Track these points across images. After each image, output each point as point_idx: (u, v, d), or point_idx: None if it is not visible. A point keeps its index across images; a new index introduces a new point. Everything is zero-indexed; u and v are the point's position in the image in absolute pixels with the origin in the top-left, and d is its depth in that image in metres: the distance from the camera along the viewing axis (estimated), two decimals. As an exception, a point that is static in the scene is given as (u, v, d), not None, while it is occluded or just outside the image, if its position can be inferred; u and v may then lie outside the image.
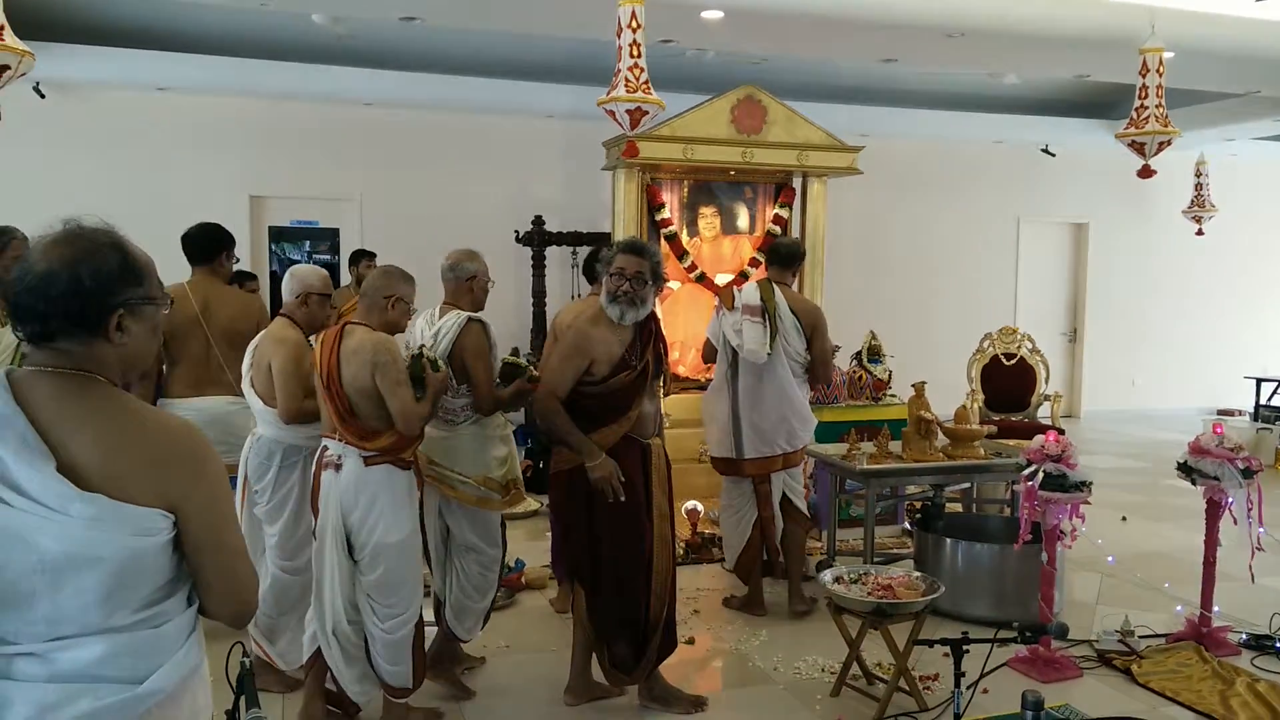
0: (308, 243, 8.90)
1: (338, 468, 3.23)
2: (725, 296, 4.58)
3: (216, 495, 1.54)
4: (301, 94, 8.17)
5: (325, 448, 3.30)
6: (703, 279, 6.82)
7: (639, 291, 3.46)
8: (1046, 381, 7.46)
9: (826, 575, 3.80)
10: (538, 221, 7.86)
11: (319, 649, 3.32)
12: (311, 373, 3.58)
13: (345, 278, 7.32)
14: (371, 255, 7.17)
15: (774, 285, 4.59)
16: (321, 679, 3.38)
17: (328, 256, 8.75)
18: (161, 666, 1.47)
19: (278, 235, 8.76)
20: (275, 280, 8.45)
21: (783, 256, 4.69)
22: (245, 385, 3.72)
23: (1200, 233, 9.11)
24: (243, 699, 1.87)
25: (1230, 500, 4.18)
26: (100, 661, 1.42)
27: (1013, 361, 7.44)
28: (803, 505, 4.79)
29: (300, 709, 3.43)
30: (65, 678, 1.41)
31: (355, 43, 7.79)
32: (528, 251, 7.98)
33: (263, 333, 3.79)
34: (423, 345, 3.47)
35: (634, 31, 4.77)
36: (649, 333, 3.58)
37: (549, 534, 5.85)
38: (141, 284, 1.51)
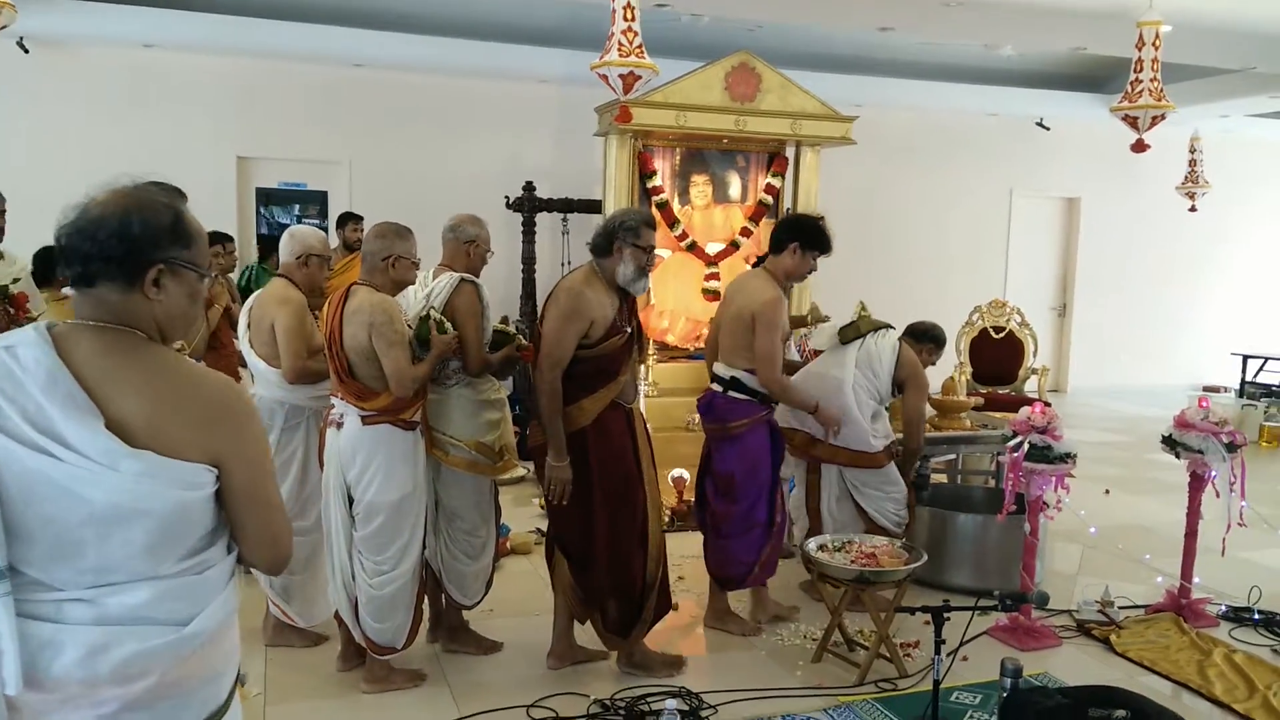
0: (297, 206, 8.83)
1: (339, 426, 3.35)
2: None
3: (258, 449, 1.59)
4: (291, 53, 8.06)
5: (332, 406, 3.41)
6: (693, 247, 6.80)
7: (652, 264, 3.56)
8: (1034, 355, 7.48)
9: (811, 543, 3.83)
10: (528, 188, 7.81)
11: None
12: (314, 332, 3.62)
13: (334, 241, 7.27)
14: (358, 218, 7.11)
15: (899, 339, 4.44)
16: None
17: (317, 221, 8.68)
18: (205, 610, 1.52)
19: (266, 198, 8.69)
20: (262, 242, 8.39)
21: (916, 332, 4.67)
22: (244, 346, 3.73)
23: (1194, 209, 9.11)
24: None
25: (1214, 474, 4.22)
26: (147, 605, 1.47)
27: (1001, 335, 7.45)
28: (890, 524, 4.33)
29: (338, 654, 3.61)
30: (113, 620, 1.44)
31: (346, 2, 7.69)
32: (518, 218, 7.93)
33: (259, 293, 3.80)
34: (432, 308, 3.49)
35: (628, -6, 4.72)
36: (631, 299, 3.61)
37: (535, 500, 5.89)
38: (188, 247, 1.54)
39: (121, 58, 7.93)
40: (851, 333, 4.43)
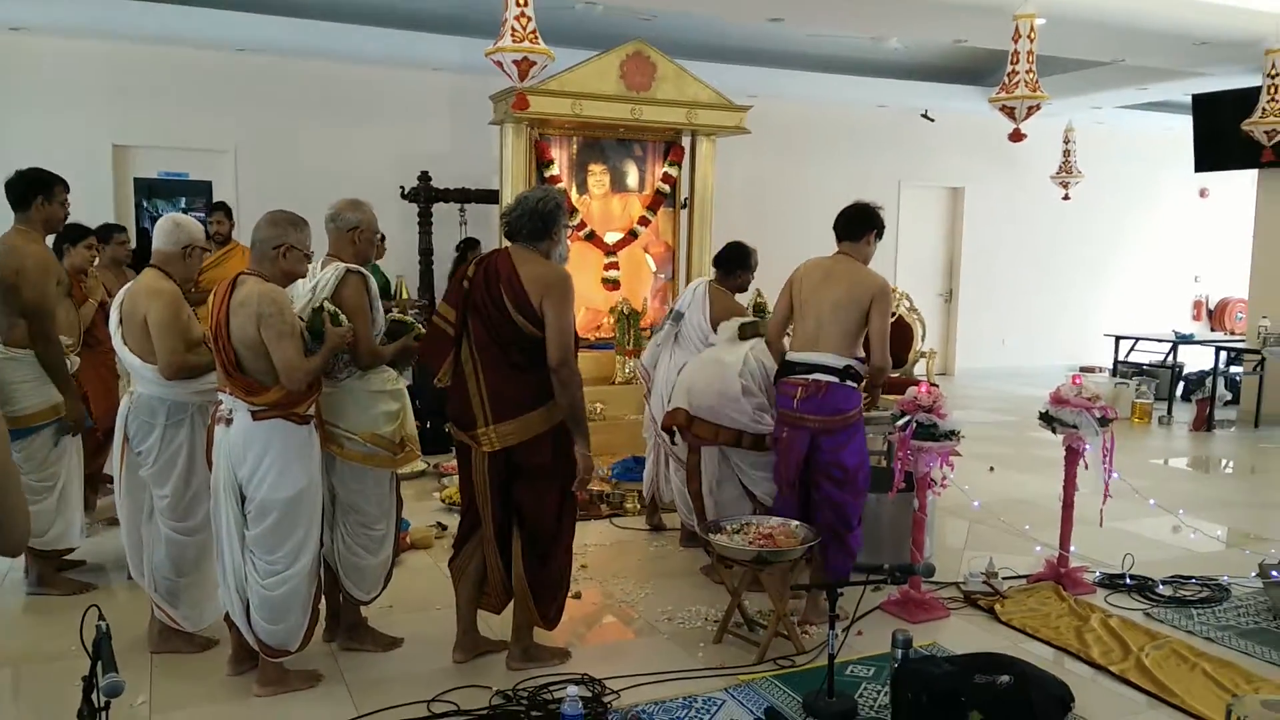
0: (183, 199, 8.49)
1: (229, 422, 3.20)
2: None
3: None
4: (170, 37, 7.74)
5: (220, 401, 3.25)
6: (592, 237, 6.82)
7: None
8: (923, 339, 7.72)
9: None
10: (424, 177, 7.70)
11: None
12: (190, 325, 3.47)
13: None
14: (225, 208, 6.81)
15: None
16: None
17: (203, 214, 8.37)
18: None
19: (148, 190, 8.34)
20: (144, 236, 8.05)
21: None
22: (116, 341, 3.54)
23: (1067, 197, 9.53)
24: (100, 664, 1.81)
25: (1087, 447, 4.43)
26: None
27: (891, 320, 7.66)
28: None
29: (229, 659, 3.47)
30: None
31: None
32: (414, 208, 7.80)
33: (130, 285, 3.62)
34: (325, 299, 3.38)
35: (520, -20, 4.69)
36: None
37: (436, 494, 5.83)
38: None
39: (-17, 41, 7.51)
40: (750, 331, 4.61)
